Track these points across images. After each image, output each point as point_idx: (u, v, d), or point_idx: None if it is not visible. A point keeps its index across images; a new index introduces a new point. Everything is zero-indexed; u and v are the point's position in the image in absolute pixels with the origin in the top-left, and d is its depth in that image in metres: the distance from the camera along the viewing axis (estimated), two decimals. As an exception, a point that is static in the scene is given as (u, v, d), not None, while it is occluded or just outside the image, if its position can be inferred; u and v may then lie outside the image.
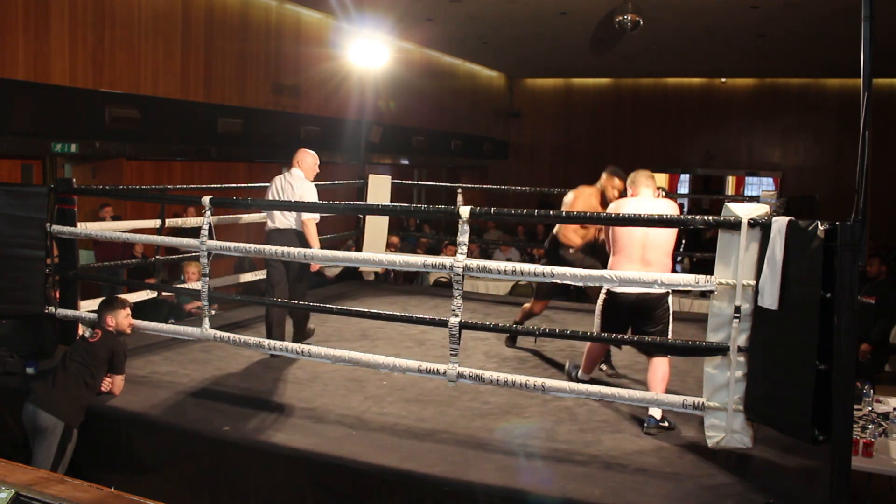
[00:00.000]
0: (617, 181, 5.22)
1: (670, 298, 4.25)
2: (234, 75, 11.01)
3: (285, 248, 4.57)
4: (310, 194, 5.44)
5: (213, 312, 4.51)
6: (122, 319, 4.35)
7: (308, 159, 5.58)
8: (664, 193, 4.66)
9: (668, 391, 3.98)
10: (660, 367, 4.10)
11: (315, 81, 12.37)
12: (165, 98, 9.73)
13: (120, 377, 4.33)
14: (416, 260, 4.69)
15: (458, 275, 3.76)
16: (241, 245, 4.58)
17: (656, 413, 4.02)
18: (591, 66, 17.30)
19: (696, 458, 3.63)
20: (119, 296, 5.04)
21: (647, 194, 4.30)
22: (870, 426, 4.28)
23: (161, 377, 4.77)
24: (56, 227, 4.97)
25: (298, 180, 5.48)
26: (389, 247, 8.29)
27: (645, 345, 4.13)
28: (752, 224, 3.28)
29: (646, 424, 4.03)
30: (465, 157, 18.20)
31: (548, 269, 3.76)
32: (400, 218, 12.92)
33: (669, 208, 4.25)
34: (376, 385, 4.71)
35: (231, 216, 7.06)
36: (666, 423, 4.04)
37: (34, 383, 4.20)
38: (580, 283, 4.03)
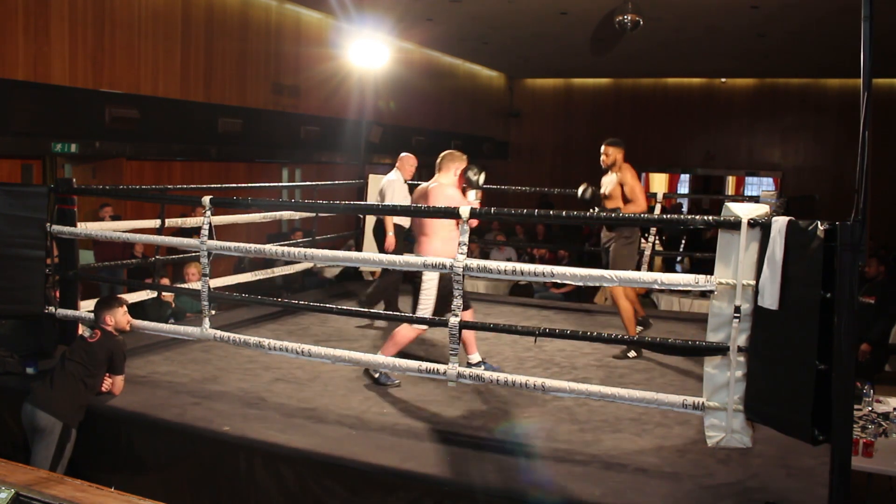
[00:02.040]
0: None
1: (429, 280, 4.55)
2: (234, 75, 11.01)
3: (285, 248, 4.62)
4: (393, 192, 6.43)
5: (213, 313, 4.51)
6: (120, 318, 4.34)
7: (404, 162, 6.70)
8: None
9: (667, 391, 3.97)
10: (400, 332, 4.56)
11: (315, 81, 12.36)
12: (165, 98, 9.73)
13: (120, 377, 4.33)
14: (416, 260, 4.68)
15: (458, 275, 3.76)
16: (241, 245, 4.58)
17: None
18: (591, 66, 17.29)
19: (696, 458, 3.64)
20: (116, 295, 5.04)
21: (436, 178, 4.92)
22: (870, 426, 4.29)
23: (161, 377, 4.77)
24: (56, 227, 4.96)
25: (393, 182, 6.51)
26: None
27: (643, 345, 4.13)
28: (752, 224, 3.27)
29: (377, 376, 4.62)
30: (465, 157, 18.18)
31: (548, 268, 3.76)
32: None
33: (427, 193, 4.73)
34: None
35: (231, 216, 7.06)
36: (377, 375, 4.63)
37: (33, 383, 4.20)
38: (580, 283, 4.02)
